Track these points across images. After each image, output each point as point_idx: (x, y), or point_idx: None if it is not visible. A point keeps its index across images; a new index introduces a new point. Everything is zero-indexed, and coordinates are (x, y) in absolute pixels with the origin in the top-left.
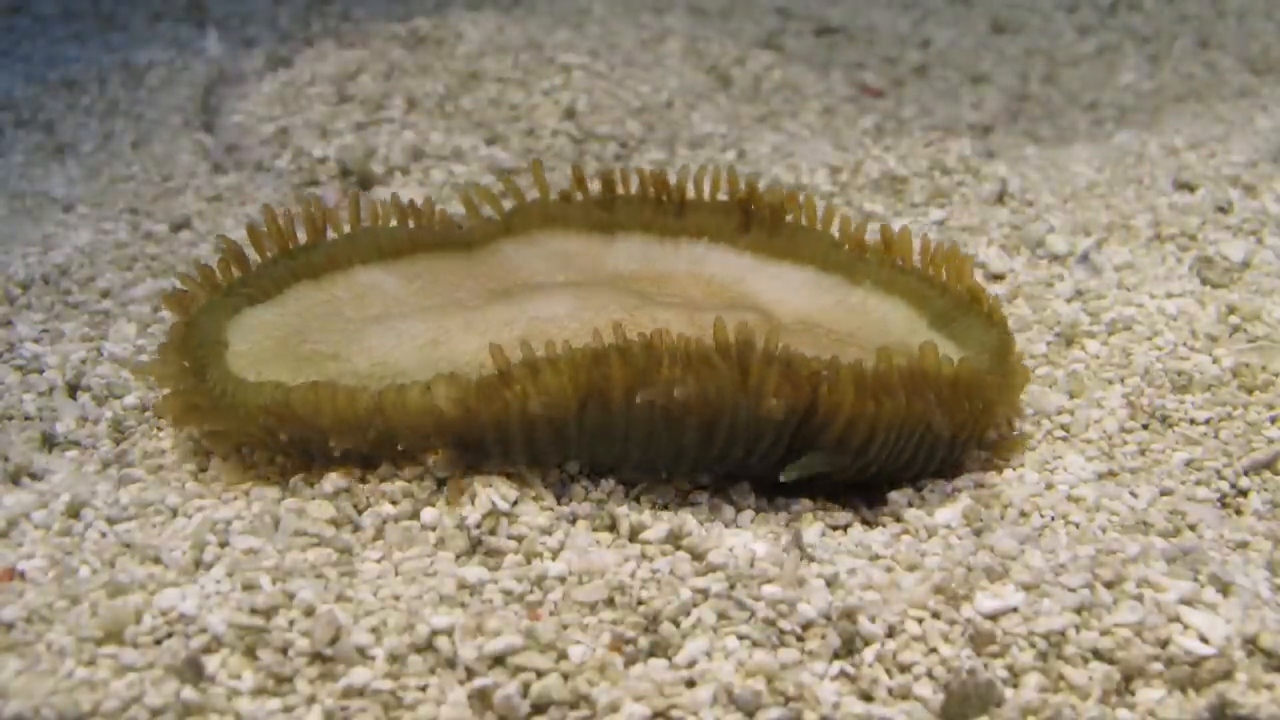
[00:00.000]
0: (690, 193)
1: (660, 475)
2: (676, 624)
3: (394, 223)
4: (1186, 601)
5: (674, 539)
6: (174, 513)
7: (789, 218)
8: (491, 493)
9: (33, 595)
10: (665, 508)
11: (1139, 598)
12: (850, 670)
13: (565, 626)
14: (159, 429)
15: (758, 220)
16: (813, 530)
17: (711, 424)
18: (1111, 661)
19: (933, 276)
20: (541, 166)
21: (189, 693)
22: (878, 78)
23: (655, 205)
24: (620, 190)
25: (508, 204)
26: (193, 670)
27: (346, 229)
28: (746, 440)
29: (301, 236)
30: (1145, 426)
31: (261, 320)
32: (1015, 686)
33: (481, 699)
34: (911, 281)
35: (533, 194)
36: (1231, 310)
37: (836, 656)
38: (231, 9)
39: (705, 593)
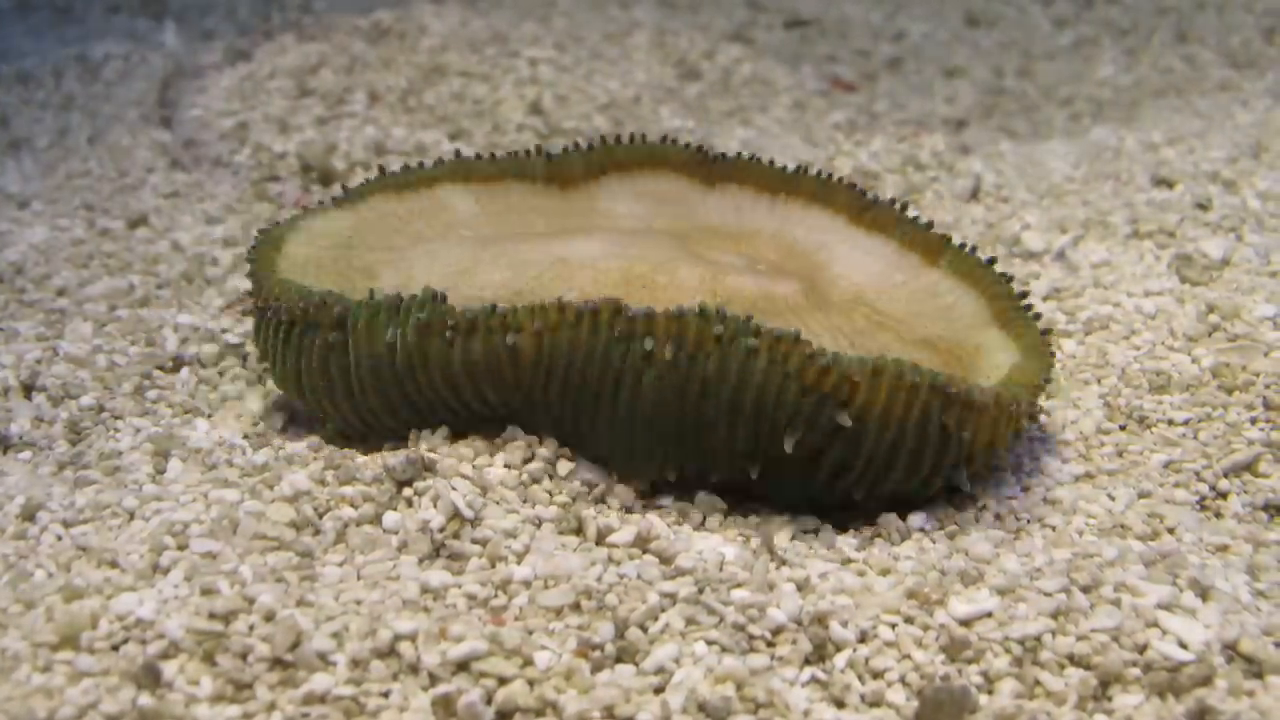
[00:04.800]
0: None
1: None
2: (644, 629)
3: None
4: (1165, 606)
5: (641, 542)
6: (131, 515)
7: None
8: (455, 496)
9: None
10: (632, 511)
11: (1116, 602)
12: (822, 676)
13: (531, 632)
14: (116, 430)
15: (847, 184)
16: (783, 534)
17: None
18: (1088, 667)
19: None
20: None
21: (146, 699)
22: (850, 71)
23: (760, 167)
24: None
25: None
26: (150, 676)
27: None
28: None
29: None
30: (1123, 428)
31: (327, 227)
32: (990, 693)
33: (445, 706)
34: (989, 274)
35: None
36: (1211, 309)
37: (808, 662)
38: (189, 1)
39: (674, 597)
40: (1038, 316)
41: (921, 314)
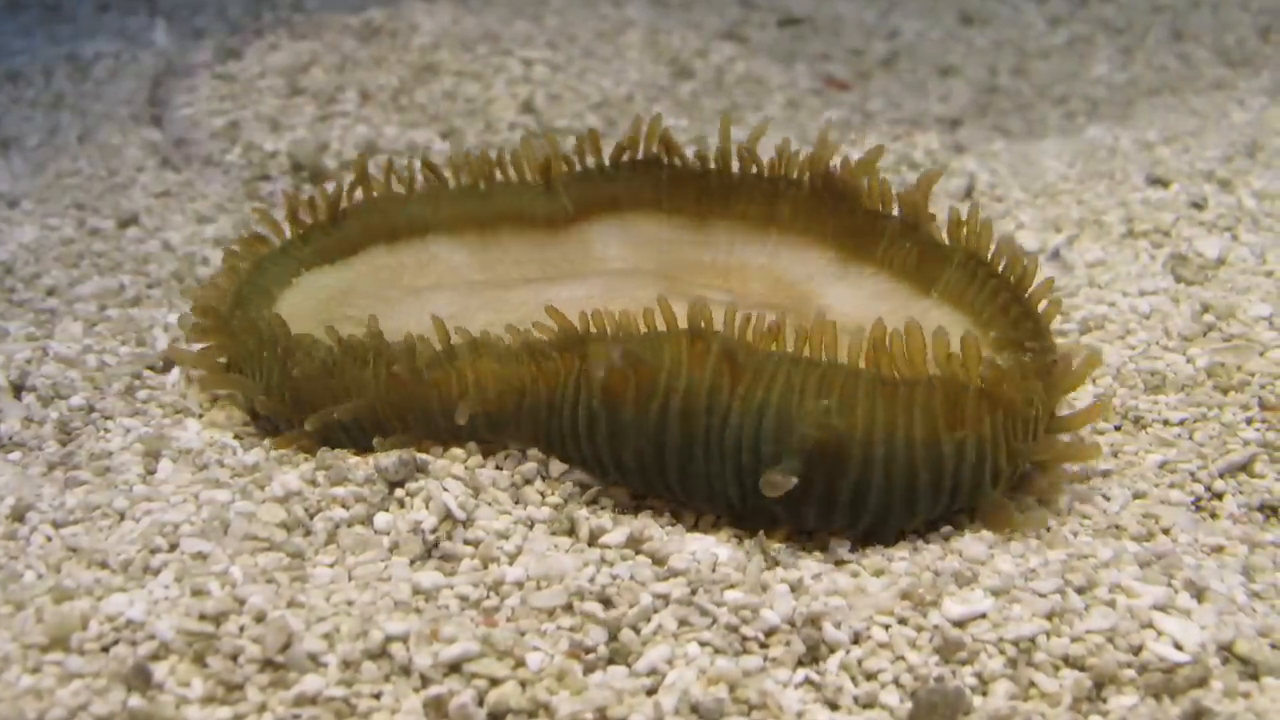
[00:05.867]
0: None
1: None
2: (637, 630)
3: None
4: (1160, 607)
5: (634, 543)
6: (121, 516)
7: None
8: (447, 497)
9: None
10: (625, 512)
11: (1111, 603)
12: (815, 678)
13: (523, 633)
14: (106, 430)
15: (836, 211)
16: (776, 534)
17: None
18: (1083, 668)
19: (1009, 290)
20: (599, 136)
21: (136, 701)
22: (843, 70)
23: (749, 192)
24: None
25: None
26: (140, 678)
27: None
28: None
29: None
30: (1118, 428)
31: (320, 282)
32: (984, 694)
33: (437, 707)
34: (982, 297)
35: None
36: (1206, 308)
37: (801, 664)
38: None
39: (666, 598)
40: (1043, 344)
41: None
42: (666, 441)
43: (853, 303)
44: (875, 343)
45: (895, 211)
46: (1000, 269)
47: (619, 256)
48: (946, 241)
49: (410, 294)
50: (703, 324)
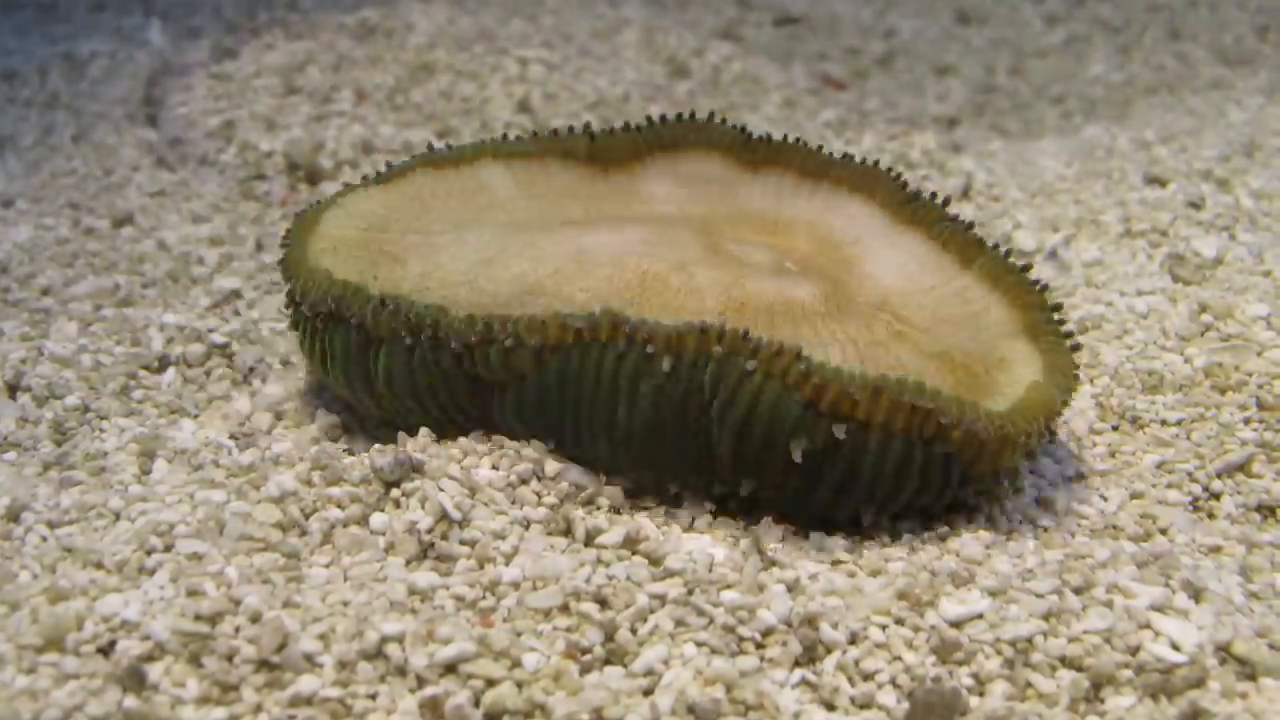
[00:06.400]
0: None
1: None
2: (633, 631)
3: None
4: (1157, 608)
5: (630, 543)
6: (117, 516)
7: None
8: (443, 497)
9: None
10: (621, 512)
11: (1109, 604)
12: (812, 678)
13: (519, 633)
14: (101, 430)
15: (888, 176)
16: (773, 534)
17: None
18: (1080, 669)
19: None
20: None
21: (131, 701)
22: (840, 69)
23: (805, 150)
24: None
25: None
26: (135, 678)
27: None
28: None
29: None
30: (1115, 428)
31: (363, 207)
32: (981, 695)
33: (433, 708)
34: (1021, 282)
35: None
36: (1204, 308)
37: (797, 664)
38: None
39: (663, 598)
40: (1069, 334)
41: (947, 320)
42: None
43: (897, 272)
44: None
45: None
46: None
47: (666, 197)
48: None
49: (452, 228)
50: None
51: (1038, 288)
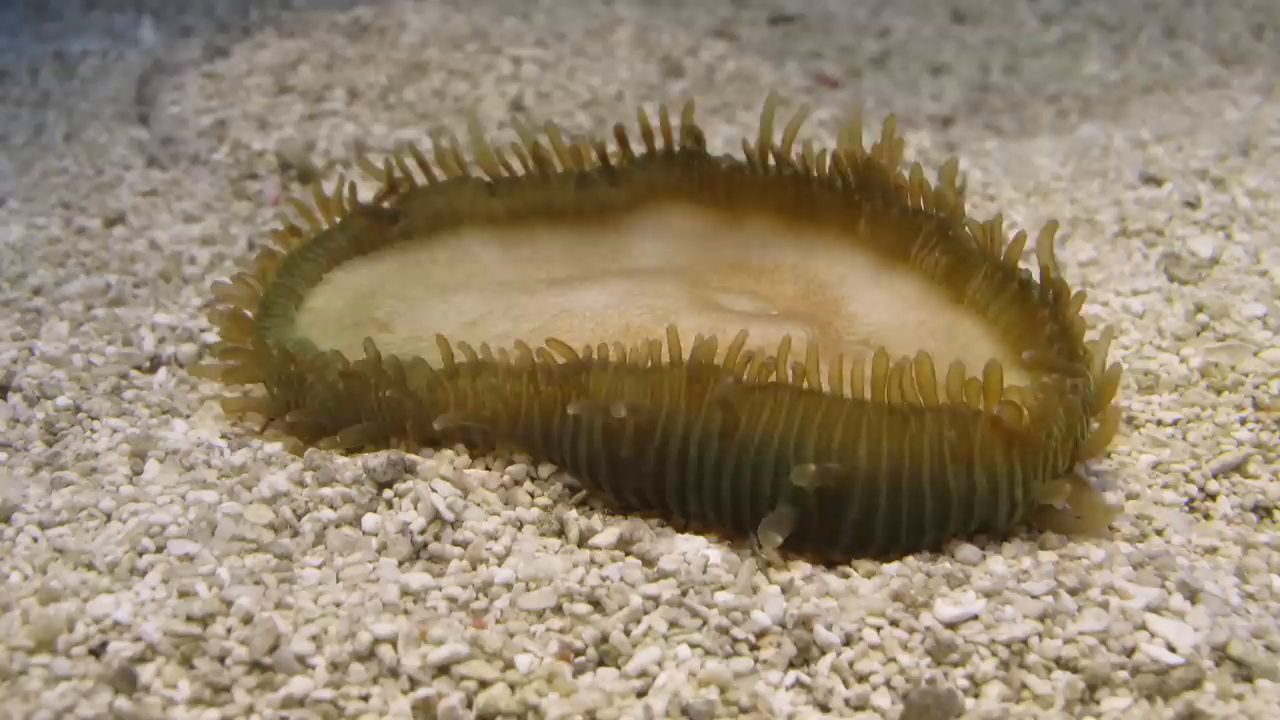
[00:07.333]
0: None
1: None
2: (627, 632)
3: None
4: (1153, 609)
5: (624, 544)
6: (108, 517)
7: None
8: (436, 498)
9: None
10: (615, 513)
11: (1104, 605)
12: (806, 680)
13: (512, 635)
14: (93, 431)
15: (870, 203)
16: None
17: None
18: (1075, 670)
19: (1043, 306)
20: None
21: (123, 703)
22: (834, 68)
23: (787, 186)
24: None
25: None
26: (126, 680)
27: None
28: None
29: None
30: None
31: (349, 280)
32: (976, 696)
33: (425, 709)
34: (1013, 311)
35: None
36: (1200, 308)
37: (792, 665)
38: None
39: (656, 600)
40: (1075, 366)
41: (935, 356)
42: (666, 480)
43: (884, 310)
44: (876, 382)
45: (923, 204)
46: (1027, 281)
47: (653, 251)
48: (975, 246)
49: (438, 293)
50: (704, 364)
51: (1033, 314)
